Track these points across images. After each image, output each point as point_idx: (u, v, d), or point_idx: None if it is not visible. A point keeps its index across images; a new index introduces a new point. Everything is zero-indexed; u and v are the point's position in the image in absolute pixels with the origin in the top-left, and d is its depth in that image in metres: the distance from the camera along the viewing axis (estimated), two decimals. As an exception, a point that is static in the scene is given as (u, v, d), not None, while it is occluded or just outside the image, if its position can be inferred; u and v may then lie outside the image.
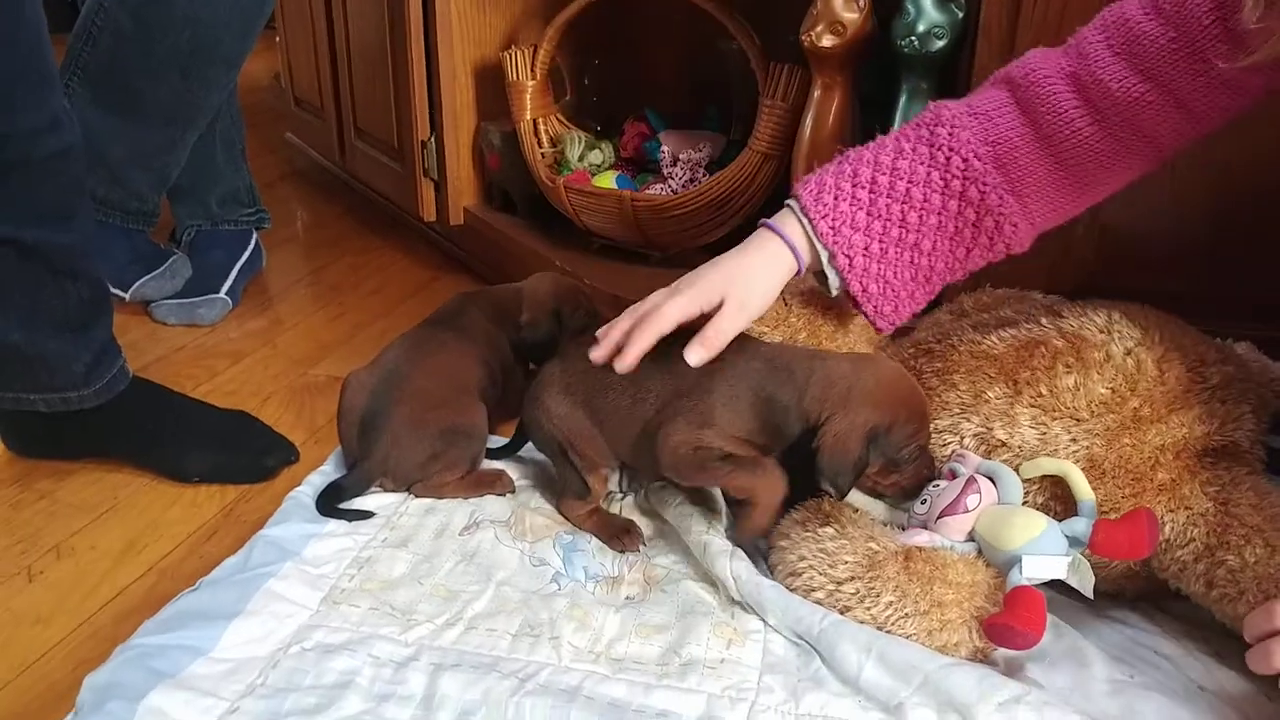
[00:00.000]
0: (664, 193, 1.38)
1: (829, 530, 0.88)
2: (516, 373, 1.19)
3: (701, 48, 1.56)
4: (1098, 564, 0.84)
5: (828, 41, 1.17)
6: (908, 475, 0.89)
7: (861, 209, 0.88)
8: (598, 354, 0.89)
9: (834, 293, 0.93)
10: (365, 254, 1.88)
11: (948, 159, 0.86)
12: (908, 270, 0.90)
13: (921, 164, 0.87)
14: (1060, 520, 0.84)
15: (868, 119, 1.25)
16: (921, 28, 1.14)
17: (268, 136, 2.56)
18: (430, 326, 1.16)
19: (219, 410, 1.18)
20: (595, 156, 1.49)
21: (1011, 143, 0.85)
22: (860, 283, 0.90)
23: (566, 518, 0.99)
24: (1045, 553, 0.81)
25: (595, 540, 0.96)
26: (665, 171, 1.38)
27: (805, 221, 0.89)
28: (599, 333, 0.91)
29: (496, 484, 1.03)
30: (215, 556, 0.93)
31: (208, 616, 0.81)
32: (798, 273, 0.91)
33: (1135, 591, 0.90)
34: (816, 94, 1.23)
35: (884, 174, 0.88)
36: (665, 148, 1.38)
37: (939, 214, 0.88)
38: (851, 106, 1.23)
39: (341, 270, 1.81)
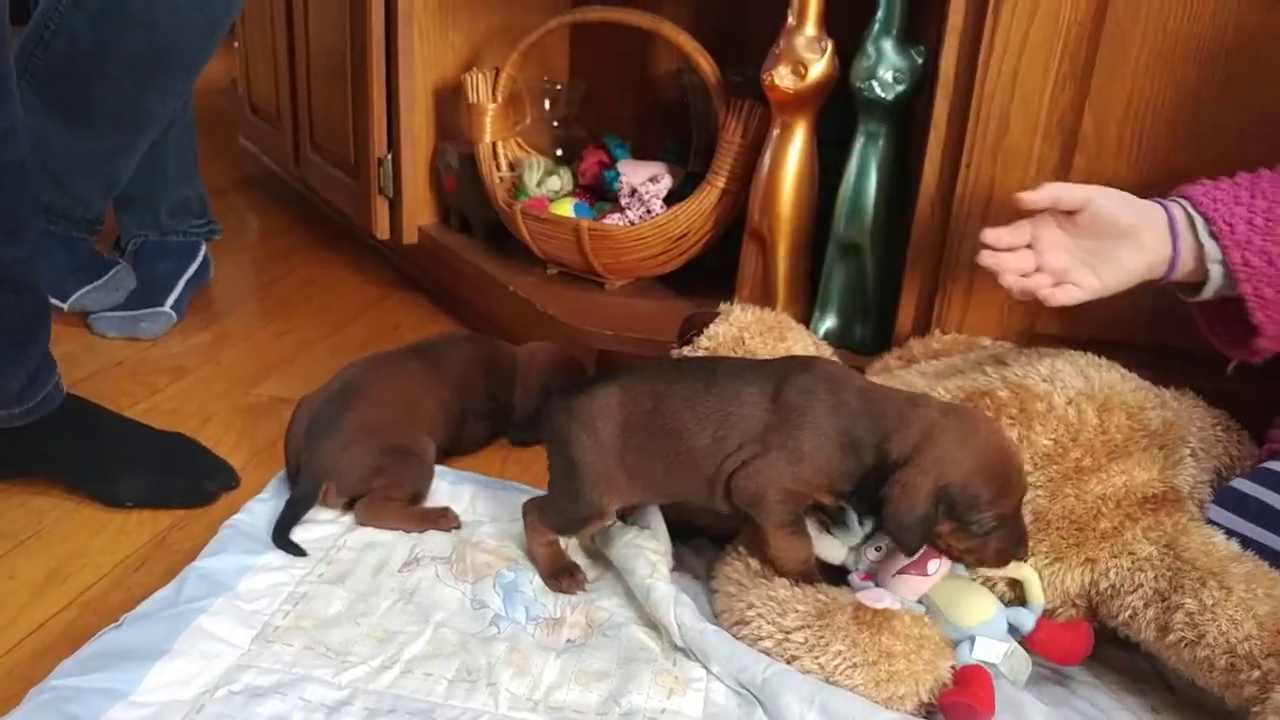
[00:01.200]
0: (621, 223, 1.37)
1: (783, 579, 0.88)
2: (479, 427, 1.20)
3: (666, 78, 1.56)
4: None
5: (788, 82, 1.17)
6: (989, 550, 0.82)
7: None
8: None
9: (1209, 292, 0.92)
10: (316, 268, 1.85)
11: None
12: None
13: None
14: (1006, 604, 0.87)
15: (827, 157, 1.26)
16: (881, 72, 1.15)
17: (221, 142, 2.52)
18: (402, 353, 1.17)
19: (156, 431, 1.14)
20: (554, 183, 1.48)
21: None
22: (1243, 255, 0.88)
23: (528, 539, 0.96)
24: (994, 636, 0.84)
25: (537, 580, 0.94)
26: (623, 202, 1.38)
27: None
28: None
29: (440, 520, 1.01)
30: (143, 588, 0.90)
31: (130, 656, 0.78)
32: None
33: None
34: (776, 132, 1.23)
35: None
36: (623, 177, 1.37)
37: None
38: (810, 146, 1.23)
39: (291, 285, 1.78)
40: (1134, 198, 0.92)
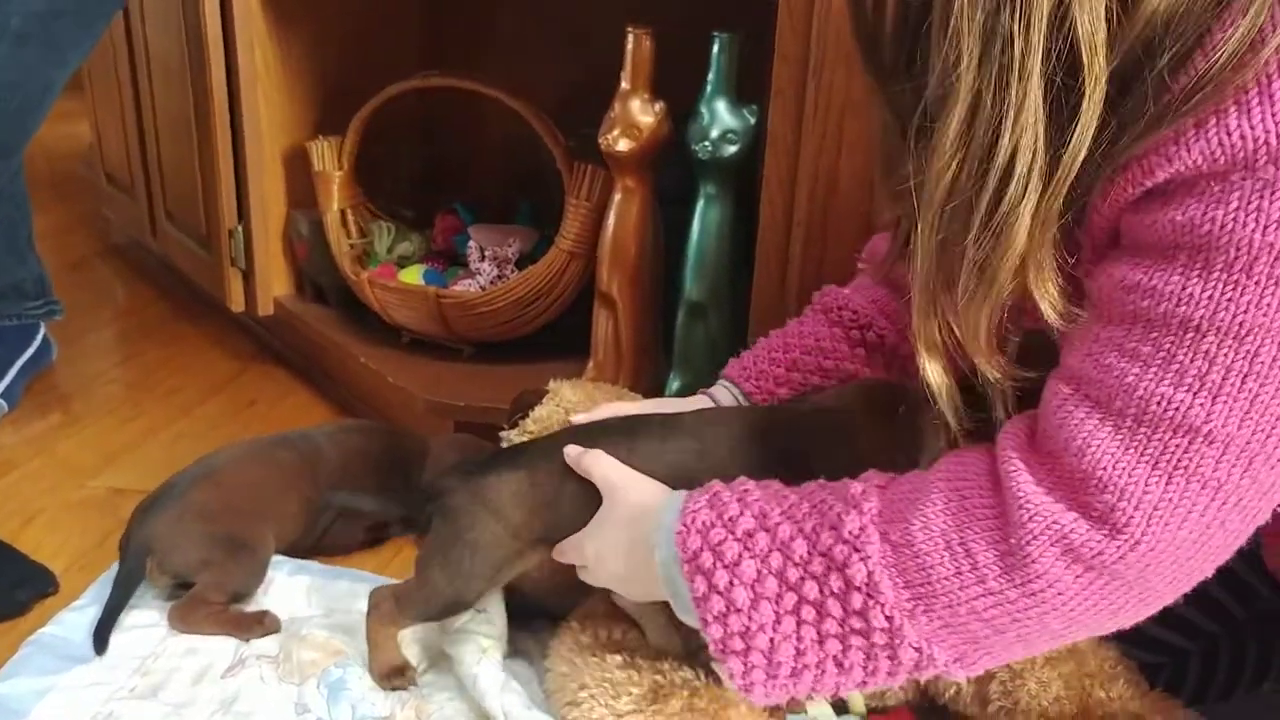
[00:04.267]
0: (471, 288, 1.35)
1: (617, 659, 0.85)
2: (351, 530, 1.14)
3: (519, 142, 1.55)
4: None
5: (624, 145, 1.17)
6: None
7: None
8: None
9: None
10: (174, 344, 1.78)
11: None
12: None
13: None
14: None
15: (675, 216, 1.25)
16: (715, 133, 1.16)
17: (83, 210, 2.42)
18: (276, 441, 1.13)
19: (-34, 536, 1.07)
20: (405, 248, 1.45)
21: None
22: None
23: (372, 631, 0.89)
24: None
25: (366, 676, 0.90)
26: (473, 267, 1.35)
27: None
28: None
29: (257, 627, 0.96)
30: (-66, 719, 0.83)
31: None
32: None
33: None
34: (617, 196, 1.22)
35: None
36: (473, 242, 1.35)
37: None
38: (651, 207, 1.23)
39: (145, 363, 1.70)
40: None
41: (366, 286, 1.38)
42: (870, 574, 0.61)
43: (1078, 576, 0.56)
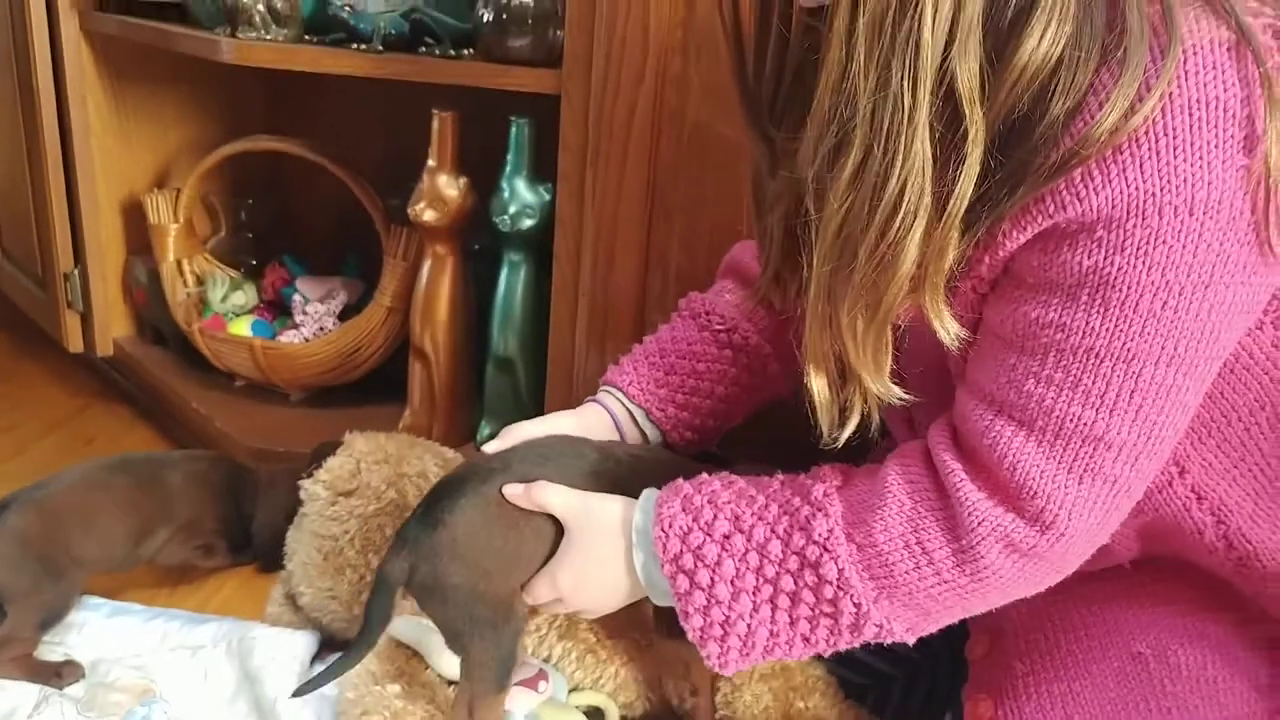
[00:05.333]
0: (296, 340, 1.44)
1: (396, 688, 0.96)
2: (181, 549, 1.19)
3: (350, 200, 1.65)
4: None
5: (429, 216, 1.29)
6: None
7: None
8: None
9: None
10: (12, 379, 1.81)
11: None
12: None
13: None
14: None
15: (488, 272, 1.37)
16: (513, 209, 1.28)
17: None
18: (113, 465, 1.16)
19: None
20: (239, 298, 1.53)
21: None
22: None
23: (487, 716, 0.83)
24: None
25: (171, 711, 0.99)
26: (297, 319, 1.45)
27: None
28: None
29: (55, 679, 1.01)
30: None
31: None
32: None
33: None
34: (428, 260, 1.34)
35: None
36: (298, 295, 1.45)
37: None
38: (460, 270, 1.35)
39: (-19, 401, 1.73)
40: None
41: (197, 336, 1.47)
42: (841, 570, 0.70)
43: (1015, 563, 0.68)
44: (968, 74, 0.58)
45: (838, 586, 0.71)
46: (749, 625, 0.74)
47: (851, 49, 0.59)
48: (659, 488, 0.79)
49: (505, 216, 1.28)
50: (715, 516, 0.75)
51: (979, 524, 0.67)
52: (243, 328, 1.46)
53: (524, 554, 0.82)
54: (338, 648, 1.09)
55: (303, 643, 1.07)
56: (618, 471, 0.84)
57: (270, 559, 1.21)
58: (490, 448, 0.87)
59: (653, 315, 1.04)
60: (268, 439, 1.39)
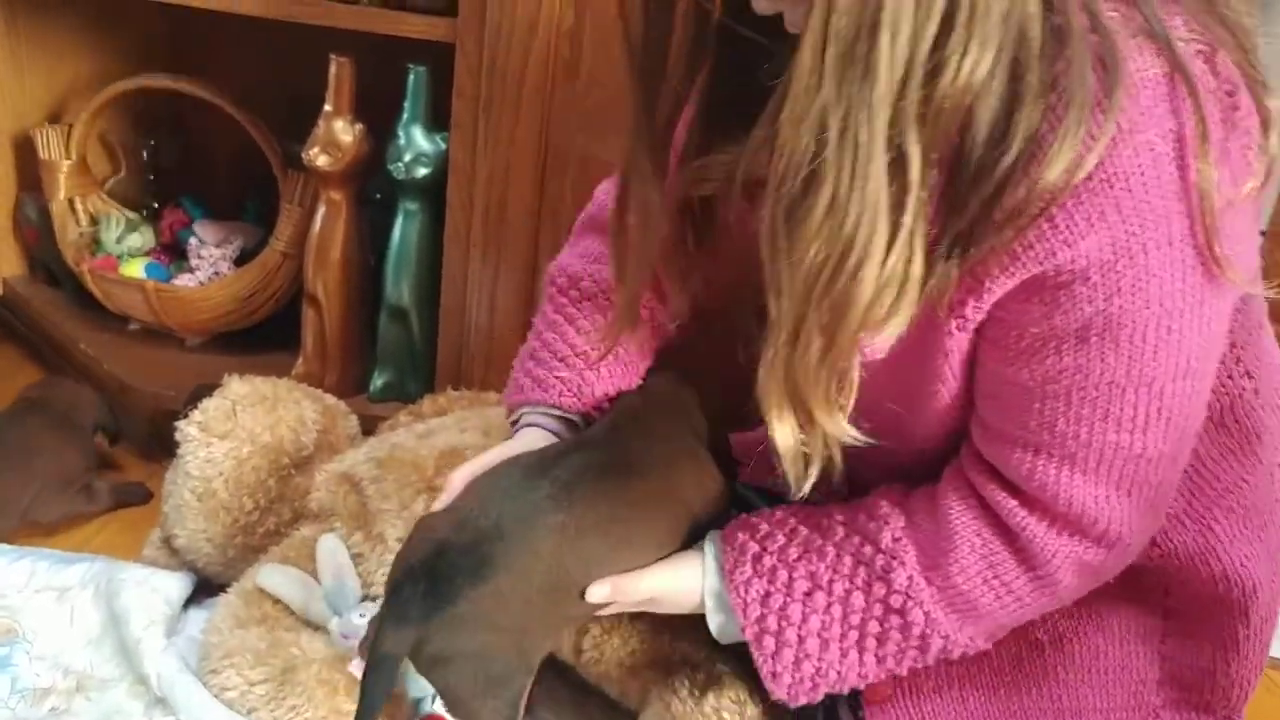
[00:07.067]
0: (191, 284, 1.42)
1: (260, 630, 0.97)
2: (57, 500, 1.19)
3: (251, 145, 1.62)
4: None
5: (323, 162, 1.27)
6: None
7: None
8: None
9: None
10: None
11: None
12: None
13: None
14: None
15: (383, 219, 1.36)
16: (408, 156, 1.27)
17: None
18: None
19: None
20: (135, 240, 1.50)
21: None
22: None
23: None
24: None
25: (35, 649, 0.99)
26: (193, 262, 1.43)
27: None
28: None
29: None
30: None
31: None
32: None
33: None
34: (322, 206, 1.32)
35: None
36: (194, 238, 1.42)
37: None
38: (355, 217, 1.33)
39: None
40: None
41: (87, 276, 1.43)
42: (928, 614, 0.75)
43: (1087, 575, 0.75)
44: (912, 105, 0.57)
45: (925, 626, 0.75)
46: (839, 672, 0.78)
47: (820, 81, 0.57)
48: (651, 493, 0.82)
49: (400, 164, 1.27)
50: (791, 577, 0.77)
51: (1052, 556, 0.72)
52: (136, 269, 1.43)
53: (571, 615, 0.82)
54: (212, 591, 1.09)
55: (174, 584, 1.07)
56: (584, 496, 0.78)
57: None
58: (440, 504, 0.82)
59: (545, 265, 1.05)
60: (159, 383, 1.37)
